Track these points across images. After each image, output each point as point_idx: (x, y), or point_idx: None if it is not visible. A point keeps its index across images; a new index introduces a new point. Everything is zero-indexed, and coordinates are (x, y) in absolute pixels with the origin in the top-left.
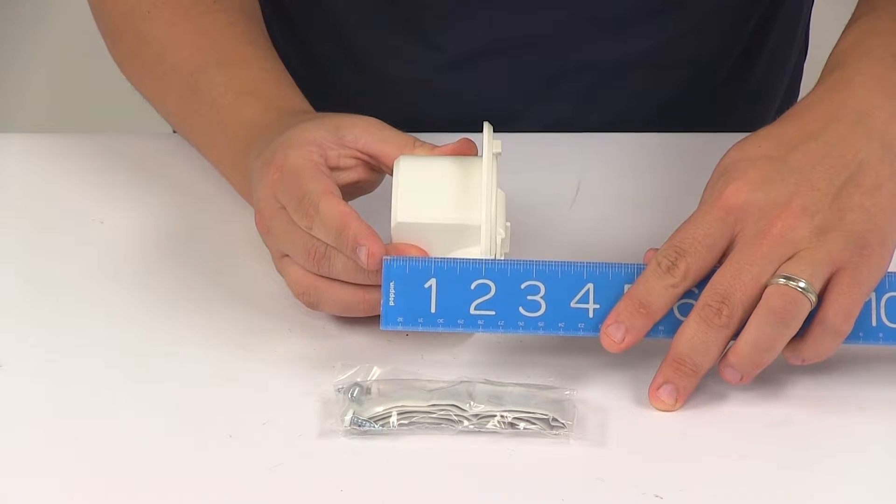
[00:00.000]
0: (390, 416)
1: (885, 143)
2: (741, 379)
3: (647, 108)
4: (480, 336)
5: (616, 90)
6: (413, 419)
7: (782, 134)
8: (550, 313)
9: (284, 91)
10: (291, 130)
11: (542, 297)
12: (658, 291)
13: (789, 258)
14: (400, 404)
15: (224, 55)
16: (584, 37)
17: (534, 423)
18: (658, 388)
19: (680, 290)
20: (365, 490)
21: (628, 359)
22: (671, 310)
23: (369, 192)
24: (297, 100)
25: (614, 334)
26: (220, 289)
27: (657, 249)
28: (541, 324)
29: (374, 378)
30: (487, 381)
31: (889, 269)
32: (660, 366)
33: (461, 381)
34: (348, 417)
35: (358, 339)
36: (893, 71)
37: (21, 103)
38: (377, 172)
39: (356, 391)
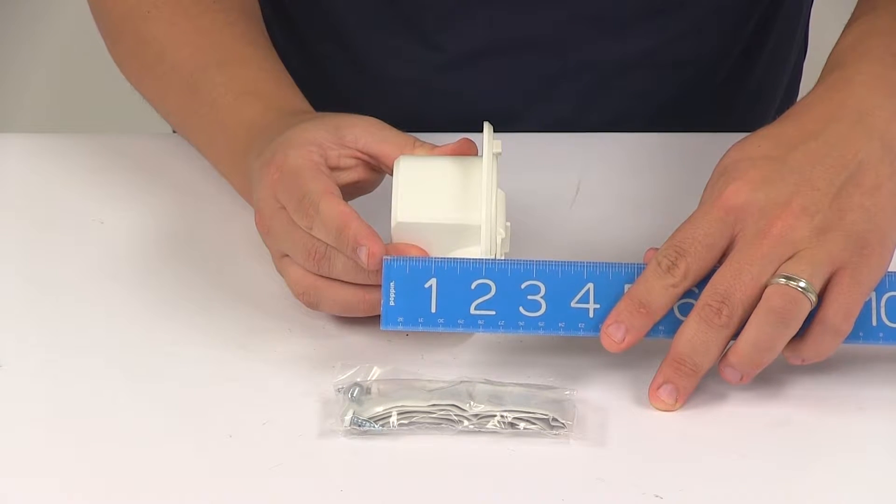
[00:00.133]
0: (390, 416)
1: (886, 143)
2: (741, 379)
3: (647, 108)
4: (480, 336)
5: (616, 90)
6: (413, 419)
7: (782, 134)
8: (551, 313)
9: (284, 91)
10: (291, 130)
11: (542, 297)
12: (658, 291)
13: (789, 258)
14: (400, 404)
15: (224, 55)
16: (584, 37)
17: (534, 423)
18: (658, 388)
19: (680, 289)
20: (365, 490)
21: (628, 359)
22: (671, 310)
23: (369, 192)
24: (296, 100)
25: (614, 334)
26: (220, 289)
27: (657, 249)
28: (541, 324)
29: (374, 378)
30: (487, 381)
31: (889, 269)
32: (660, 366)
33: (461, 381)
34: (348, 417)
35: (358, 339)
36: (893, 70)
37: (21, 103)
38: (377, 172)
39: (356, 391)
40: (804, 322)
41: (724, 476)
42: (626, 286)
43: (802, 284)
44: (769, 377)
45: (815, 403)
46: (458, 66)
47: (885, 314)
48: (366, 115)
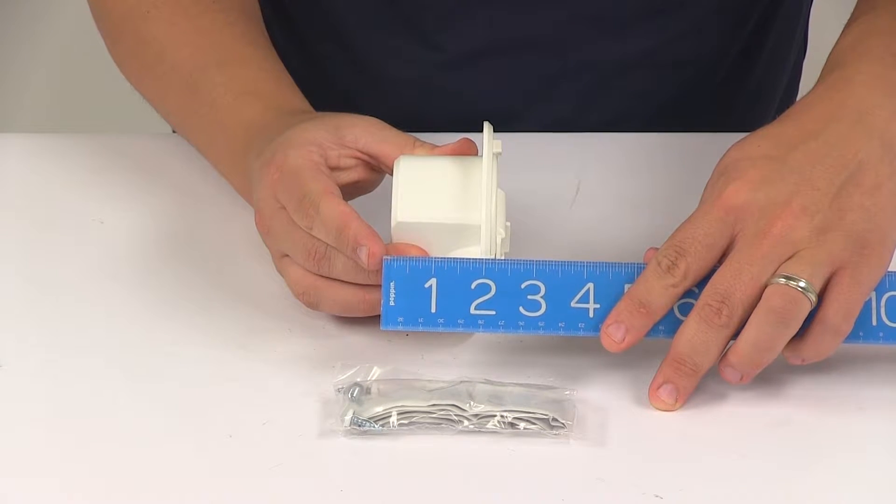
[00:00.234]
0: (390, 416)
1: (885, 143)
2: (741, 379)
3: (646, 107)
4: (480, 336)
5: (616, 90)
6: (413, 419)
7: (782, 133)
8: (551, 313)
9: (284, 91)
10: (291, 130)
11: (542, 297)
12: (658, 291)
13: (789, 258)
14: (400, 404)
15: (223, 55)
16: (584, 37)
17: (534, 423)
18: (658, 388)
19: (680, 289)
20: (365, 490)
21: (628, 359)
22: (671, 309)
23: (369, 191)
24: (296, 99)
25: (614, 334)
26: (220, 289)
27: (657, 249)
28: (541, 323)
29: (374, 378)
30: (487, 381)
31: (889, 269)
32: (660, 366)
33: (461, 381)
34: (348, 417)
35: (358, 339)
36: (893, 70)
37: (21, 103)
38: (377, 172)
39: (356, 391)
40: (804, 322)
41: (724, 476)
42: (626, 286)
43: (802, 284)
44: (769, 377)
45: (815, 403)
46: (458, 66)
47: (885, 314)
48: (366, 115)
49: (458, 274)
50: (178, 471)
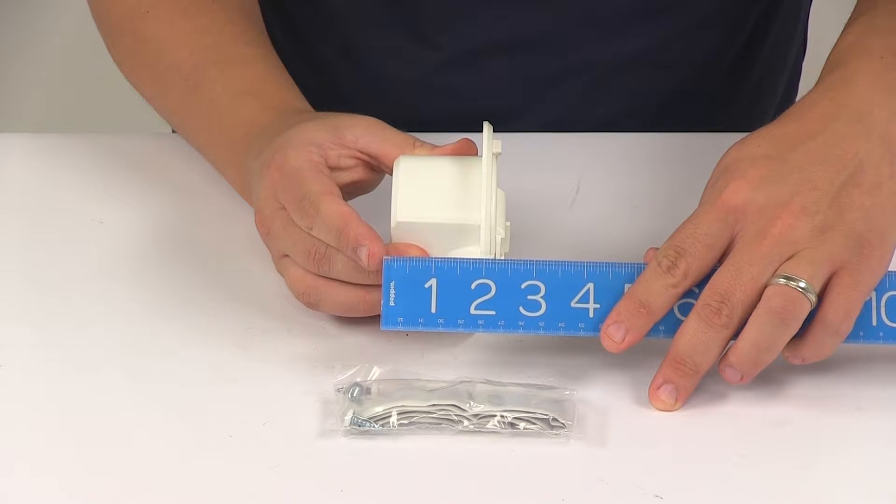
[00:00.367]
0: (390, 416)
1: (886, 142)
2: (741, 379)
3: (646, 107)
4: (480, 336)
5: (616, 89)
6: (413, 419)
7: (782, 133)
8: (551, 313)
9: (283, 90)
10: (291, 130)
11: (542, 297)
12: (658, 291)
13: (789, 258)
14: (400, 404)
15: (223, 54)
16: (583, 36)
17: (534, 423)
18: (658, 388)
19: (680, 289)
20: (365, 490)
21: (628, 359)
22: (671, 309)
23: (369, 191)
24: (296, 99)
25: (614, 334)
26: (220, 289)
27: (657, 249)
28: (541, 324)
29: (374, 378)
30: (487, 381)
31: (889, 269)
32: (660, 366)
33: (461, 381)
34: (348, 417)
35: (358, 339)
36: (893, 70)
37: (21, 103)
38: (377, 172)
39: (356, 391)
40: (804, 322)
41: (724, 476)
42: (627, 286)
43: (802, 284)
44: (769, 377)
45: (815, 403)
46: (458, 66)
47: (886, 314)
48: (366, 114)
49: (458, 274)
50: (179, 471)
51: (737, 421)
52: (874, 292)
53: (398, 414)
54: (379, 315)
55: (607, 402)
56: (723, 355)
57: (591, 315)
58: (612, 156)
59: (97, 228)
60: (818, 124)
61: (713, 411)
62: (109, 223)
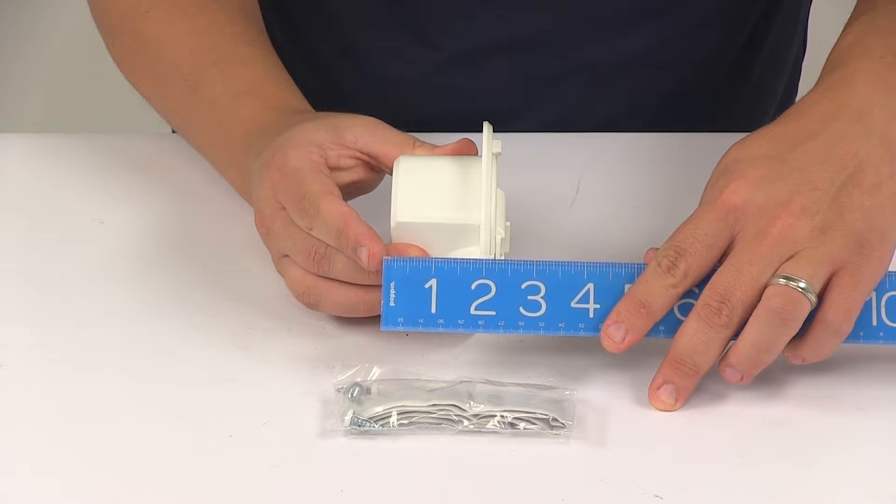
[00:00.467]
0: (390, 416)
1: (886, 142)
2: (741, 379)
3: (646, 107)
4: (480, 336)
5: (616, 89)
6: (413, 419)
7: (782, 133)
8: (551, 313)
9: (283, 90)
10: (291, 130)
11: (542, 297)
12: (658, 291)
13: (789, 258)
14: (400, 404)
15: (222, 54)
16: (583, 36)
17: (534, 423)
18: (658, 388)
19: (680, 289)
20: (365, 490)
21: (628, 359)
22: (671, 310)
23: (369, 191)
24: (295, 99)
25: (615, 334)
26: (220, 289)
27: (657, 249)
28: (541, 324)
29: (374, 378)
30: (487, 381)
31: (889, 269)
32: (660, 366)
33: (461, 381)
34: (348, 417)
35: (358, 339)
36: (893, 70)
37: (21, 103)
38: (377, 172)
39: (356, 391)
40: (804, 322)
41: (724, 476)
42: (627, 286)
43: (802, 285)
44: (769, 377)
45: (815, 403)
46: (458, 66)
47: (886, 314)
48: (366, 114)
49: (458, 274)
50: (179, 471)
51: (737, 421)
52: (874, 292)
53: (398, 414)
54: (379, 315)
55: (607, 402)
56: (723, 355)
57: (591, 315)
58: (612, 156)
59: (97, 228)
60: (818, 124)
61: (713, 411)
62: (109, 223)
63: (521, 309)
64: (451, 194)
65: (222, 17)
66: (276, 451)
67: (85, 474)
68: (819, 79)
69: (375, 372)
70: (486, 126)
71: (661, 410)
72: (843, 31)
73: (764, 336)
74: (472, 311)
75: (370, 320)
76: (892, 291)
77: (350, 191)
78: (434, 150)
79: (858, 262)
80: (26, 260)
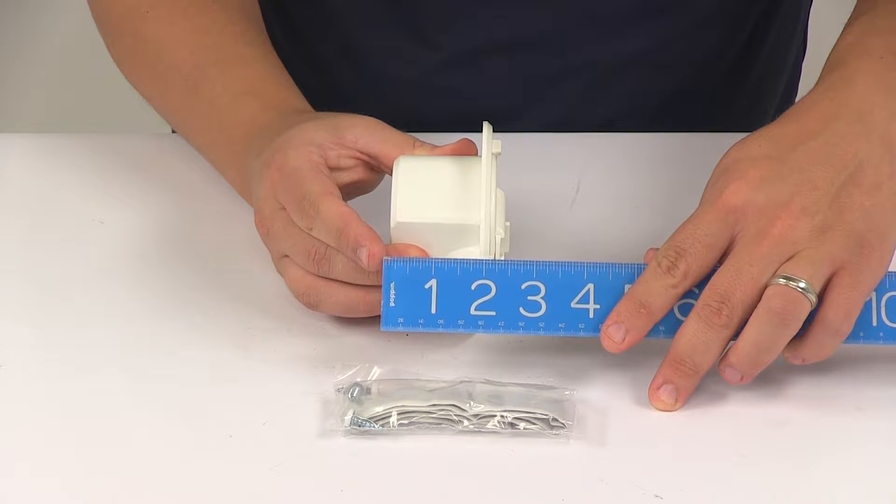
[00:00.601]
0: (390, 416)
1: (886, 142)
2: (741, 379)
3: (646, 106)
4: (480, 336)
5: (616, 89)
6: (413, 419)
7: (782, 133)
8: (551, 313)
9: (283, 90)
10: (291, 130)
11: (542, 298)
12: (658, 291)
13: (789, 258)
14: (400, 404)
15: (222, 54)
16: (583, 36)
17: (534, 423)
18: (658, 388)
19: (680, 290)
20: (365, 490)
21: (628, 359)
22: (671, 310)
23: (369, 191)
24: (295, 99)
25: (614, 335)
26: (220, 289)
27: (657, 249)
28: (541, 324)
29: (374, 378)
30: (487, 381)
31: (889, 269)
32: (660, 366)
33: (461, 381)
34: (348, 417)
35: (358, 339)
36: (893, 70)
37: (21, 103)
38: (377, 172)
39: (356, 391)
40: (805, 322)
41: (724, 476)
42: (627, 286)
43: (802, 285)
44: (769, 377)
45: (815, 403)
46: (458, 66)
47: (886, 314)
48: (366, 114)
49: (458, 275)
50: (178, 471)
51: (737, 421)
52: (874, 292)
53: (398, 414)
54: (379, 315)
55: (607, 402)
56: (723, 355)
57: (591, 315)
58: (612, 156)
59: (97, 228)
60: (818, 124)
61: (713, 411)
62: (109, 223)
63: (521, 309)
64: (451, 194)
65: (222, 17)
66: (276, 451)
67: (85, 474)
68: (819, 79)
69: (375, 372)
70: (486, 126)
71: (661, 410)
72: (843, 31)
73: (764, 336)
74: (472, 312)
75: (370, 320)
76: (892, 291)
77: (350, 191)
78: (434, 150)
79: (858, 262)
80: (26, 260)
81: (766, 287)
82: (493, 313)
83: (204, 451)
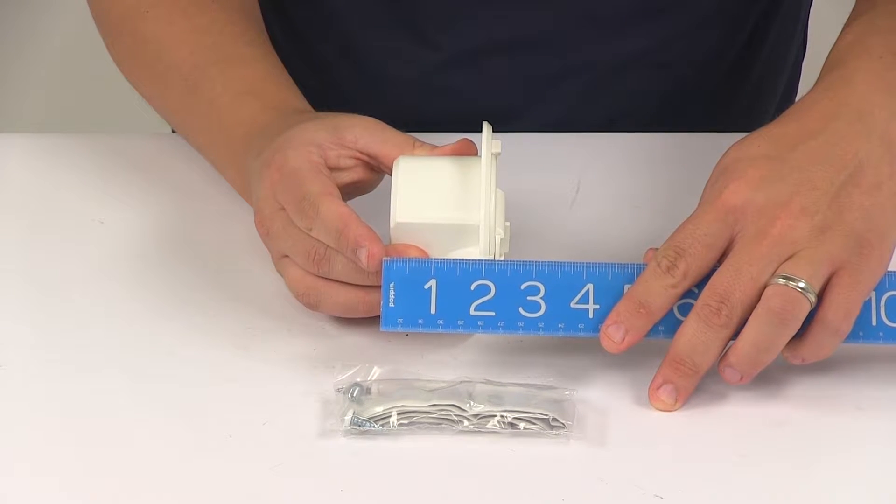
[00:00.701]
0: (390, 416)
1: (885, 142)
2: (741, 379)
3: (646, 106)
4: (480, 336)
5: (615, 89)
6: (413, 419)
7: (782, 133)
8: (550, 314)
9: (283, 90)
10: (291, 131)
11: (541, 298)
12: (658, 291)
13: (789, 258)
14: (400, 404)
15: (222, 54)
16: (583, 36)
17: (534, 423)
18: (658, 388)
19: (679, 290)
20: (365, 490)
21: (628, 359)
22: (671, 310)
23: (369, 191)
24: (295, 99)
25: (614, 335)
26: (220, 289)
27: (657, 249)
28: (541, 324)
29: (374, 378)
30: (487, 381)
31: (889, 268)
32: (660, 366)
33: (461, 381)
34: (348, 417)
35: (358, 339)
36: (893, 69)
37: (21, 103)
38: (377, 172)
39: (356, 391)
40: (804, 322)
41: (724, 476)
42: (626, 286)
43: (802, 285)
44: (769, 377)
45: (815, 403)
46: (458, 66)
47: (885, 314)
48: (366, 115)
49: (457, 275)
50: (178, 471)
51: (737, 421)
52: (874, 292)
53: (398, 414)
54: (379, 315)
55: (607, 402)
56: (722, 355)
57: (590, 316)
58: (612, 156)
59: (97, 228)
60: (818, 124)
61: (713, 411)
62: (109, 223)
63: (521, 309)
64: (451, 194)
65: (222, 17)
66: (276, 451)
67: (85, 474)
68: (818, 78)
69: (375, 372)
70: (486, 126)
71: (661, 410)
72: (842, 31)
73: (763, 336)
74: (472, 312)
75: (370, 320)
76: (892, 291)
77: (350, 191)
78: (434, 150)
79: (858, 261)
80: (26, 260)
81: (765, 287)
82: (493, 314)
83: (204, 451)
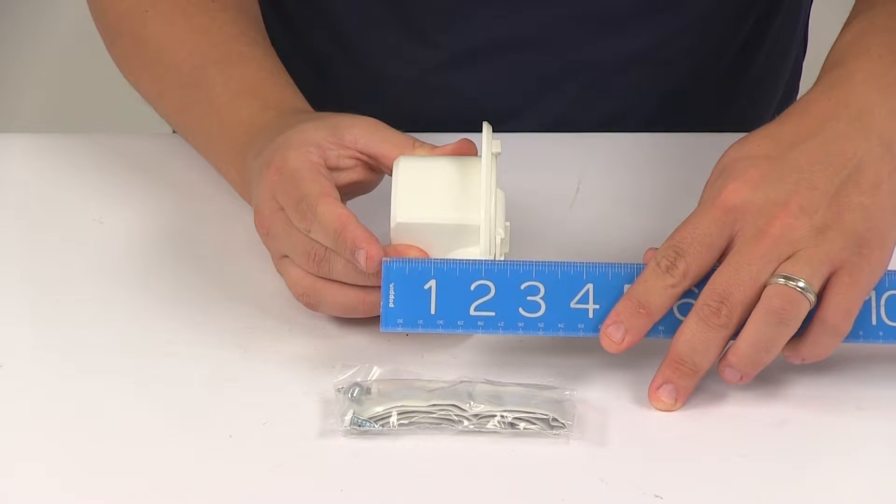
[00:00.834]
0: (390, 416)
1: (885, 141)
2: (741, 379)
3: (646, 105)
4: (480, 336)
5: (615, 88)
6: (413, 419)
7: (781, 133)
8: (550, 314)
9: (283, 90)
10: (291, 131)
11: (541, 298)
12: (657, 291)
13: (788, 258)
14: (400, 404)
15: (222, 54)
16: (583, 35)
17: (534, 423)
18: (658, 388)
19: (679, 289)
20: (365, 490)
21: (628, 359)
22: (671, 310)
23: (368, 192)
24: (295, 99)
25: (614, 335)
26: (220, 289)
27: (657, 249)
28: (540, 324)
29: (374, 378)
30: (487, 381)
31: (889, 268)
32: (660, 366)
33: (461, 381)
34: (348, 417)
35: (358, 339)
36: (892, 68)
37: (21, 103)
38: (376, 173)
39: (356, 391)
40: (804, 321)
41: (724, 476)
42: (626, 286)
43: (801, 284)
44: (769, 377)
45: (815, 403)
46: (458, 65)
47: (885, 313)
48: (366, 115)
49: (457, 275)
50: (178, 471)
51: (737, 421)
52: (873, 292)
53: (398, 414)
54: (379, 315)
55: (607, 402)
56: (722, 355)
57: (590, 316)
58: (612, 156)
59: (97, 228)
60: (818, 123)
61: (713, 411)
62: (109, 223)
63: (521, 309)
64: (451, 195)
65: (222, 17)
66: (276, 451)
67: (85, 474)
68: (818, 78)
69: (375, 372)
70: (486, 126)
71: (661, 410)
72: (841, 31)
73: (763, 336)
74: (472, 312)
75: (370, 320)
76: (892, 291)
77: (349, 191)
78: (434, 150)
79: (857, 261)
80: (26, 260)
81: (765, 287)
82: (493, 314)
83: (204, 451)
